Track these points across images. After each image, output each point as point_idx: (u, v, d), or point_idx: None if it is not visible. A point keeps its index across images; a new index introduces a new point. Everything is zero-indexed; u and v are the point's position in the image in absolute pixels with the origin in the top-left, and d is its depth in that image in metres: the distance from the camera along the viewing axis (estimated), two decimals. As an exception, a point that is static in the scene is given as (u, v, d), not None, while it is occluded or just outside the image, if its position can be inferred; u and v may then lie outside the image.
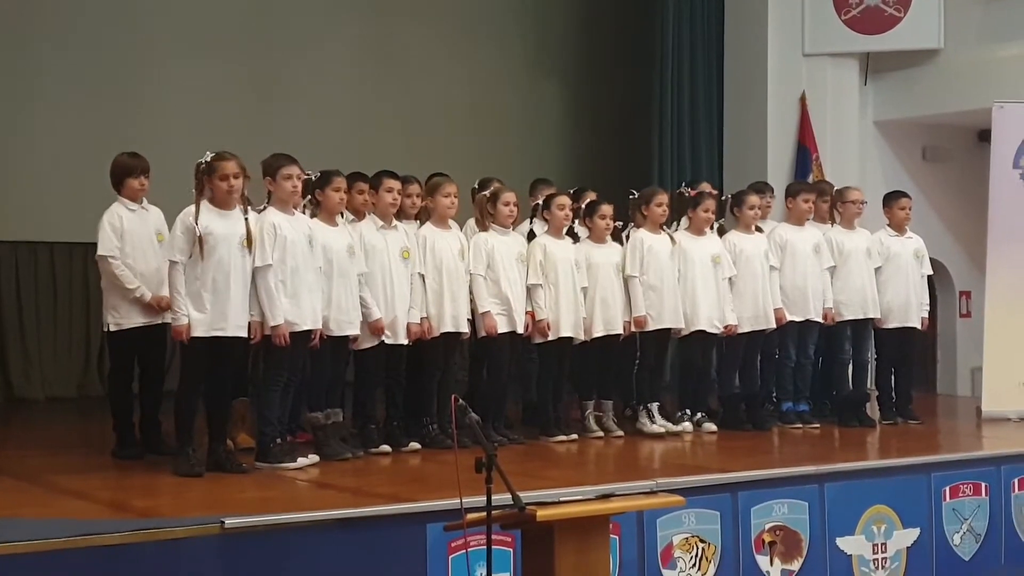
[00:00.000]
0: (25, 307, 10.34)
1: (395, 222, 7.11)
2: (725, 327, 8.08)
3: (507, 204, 7.44)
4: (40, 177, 10.00)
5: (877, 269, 8.58)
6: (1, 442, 7.97)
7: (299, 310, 6.36)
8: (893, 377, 8.79)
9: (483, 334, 7.34)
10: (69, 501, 5.55)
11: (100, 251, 6.71)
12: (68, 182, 9.90)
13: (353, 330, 6.74)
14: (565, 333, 7.57)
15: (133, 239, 6.74)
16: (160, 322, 6.78)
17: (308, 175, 6.83)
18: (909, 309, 8.63)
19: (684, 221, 8.25)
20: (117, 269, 6.68)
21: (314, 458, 6.52)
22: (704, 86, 11.64)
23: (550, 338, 7.57)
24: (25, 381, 10.27)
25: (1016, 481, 7.13)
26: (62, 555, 4.53)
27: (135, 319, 6.73)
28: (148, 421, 6.92)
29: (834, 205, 8.72)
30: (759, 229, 8.40)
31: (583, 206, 7.98)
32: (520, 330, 7.42)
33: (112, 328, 6.76)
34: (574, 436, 7.71)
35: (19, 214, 10.10)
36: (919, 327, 8.75)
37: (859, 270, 8.49)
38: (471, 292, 7.29)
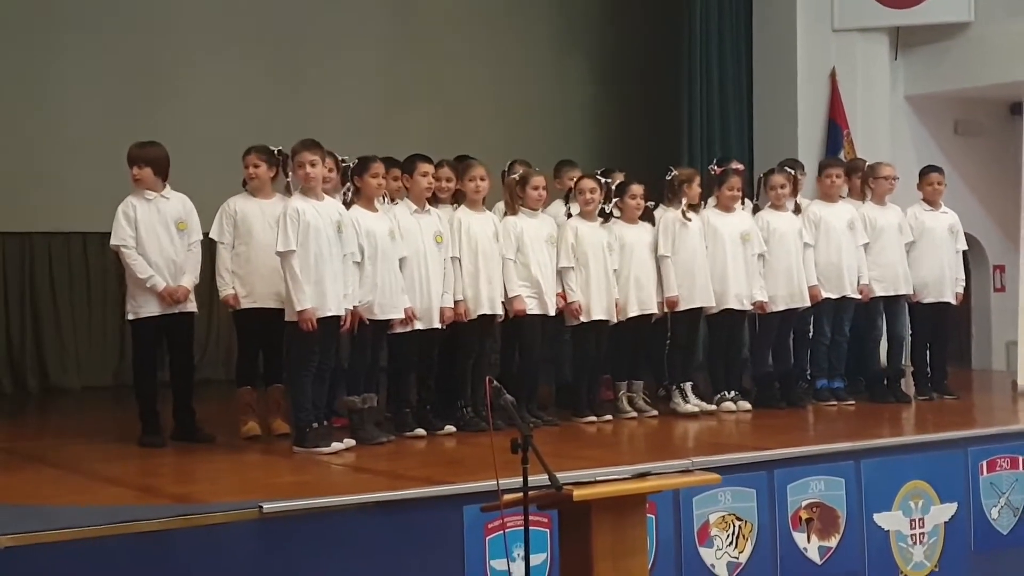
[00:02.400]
0: (59, 297, 10.40)
1: (428, 206, 7.10)
2: (754, 304, 8.05)
3: (536, 188, 7.46)
4: (71, 168, 10.04)
5: (911, 244, 8.54)
6: (39, 431, 8.05)
7: (322, 296, 6.35)
8: (928, 352, 8.73)
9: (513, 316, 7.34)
10: (106, 488, 5.58)
11: (112, 240, 6.78)
12: (99, 172, 9.91)
13: (397, 314, 6.75)
14: (597, 316, 7.56)
15: (147, 228, 6.75)
16: (184, 311, 6.82)
17: (345, 161, 6.87)
18: (943, 284, 8.59)
19: (712, 200, 8.22)
20: (130, 259, 6.71)
21: (350, 442, 6.53)
22: (733, 63, 11.58)
23: (582, 320, 7.55)
24: (61, 371, 10.35)
25: (1053, 455, 7.10)
26: (101, 542, 4.55)
27: (152, 308, 6.74)
28: (182, 409, 6.95)
29: (866, 181, 8.64)
30: (798, 206, 8.37)
31: (614, 187, 7.95)
32: (551, 312, 7.43)
33: (131, 316, 6.80)
34: (607, 417, 7.71)
35: (52, 205, 10.15)
36: (953, 302, 8.71)
37: (892, 246, 8.46)
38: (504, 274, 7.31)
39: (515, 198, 7.48)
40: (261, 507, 4.85)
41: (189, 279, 6.86)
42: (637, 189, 7.84)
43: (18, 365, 10.25)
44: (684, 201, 7.96)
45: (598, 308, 7.57)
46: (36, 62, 10.16)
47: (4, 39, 10.05)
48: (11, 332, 10.23)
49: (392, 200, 7.10)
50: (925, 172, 8.83)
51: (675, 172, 8.20)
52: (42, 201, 10.15)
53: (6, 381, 10.16)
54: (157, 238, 6.77)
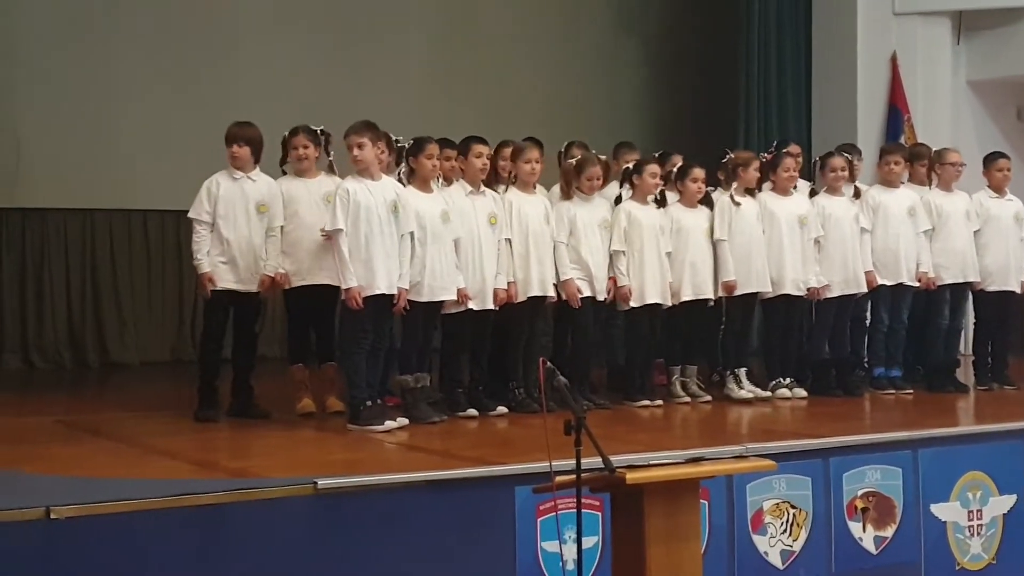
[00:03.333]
0: (120, 274, 10.51)
1: (483, 188, 7.11)
2: (809, 291, 8.00)
3: (591, 179, 7.44)
4: (133, 147, 10.13)
5: (976, 232, 8.44)
6: (97, 405, 8.12)
7: (372, 275, 6.38)
8: (991, 342, 8.65)
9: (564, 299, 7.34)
10: (163, 461, 5.65)
11: (189, 212, 6.86)
12: (160, 152, 10.04)
13: (449, 295, 6.77)
14: (651, 299, 7.54)
15: (228, 206, 6.82)
16: (253, 290, 6.88)
17: (399, 141, 6.88)
18: (1008, 272, 8.49)
19: (766, 185, 8.16)
20: (196, 235, 6.82)
21: (403, 421, 6.57)
22: (791, 47, 11.50)
23: (634, 305, 7.53)
24: (120, 346, 10.47)
25: (1120, 445, 7.01)
26: (157, 515, 4.59)
27: (226, 280, 6.80)
28: (240, 385, 7.01)
29: (932, 167, 8.55)
30: (857, 191, 8.30)
31: (673, 170, 7.93)
32: (601, 297, 7.42)
33: (200, 290, 6.91)
34: (659, 401, 7.69)
35: (113, 183, 10.25)
36: (1018, 291, 8.57)
37: (959, 233, 8.37)
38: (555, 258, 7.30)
39: (570, 183, 7.46)
40: (316, 483, 4.88)
41: (272, 266, 6.92)
42: (699, 173, 7.77)
43: (79, 340, 10.38)
44: (735, 185, 7.92)
45: (652, 291, 7.54)
46: (101, 48, 10.27)
47: (73, 26, 10.15)
48: (72, 308, 10.37)
49: (446, 181, 7.09)
50: (992, 158, 8.70)
51: (731, 155, 8.16)
52: (104, 178, 10.27)
53: (67, 356, 10.29)
54: (235, 217, 6.82)
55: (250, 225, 6.86)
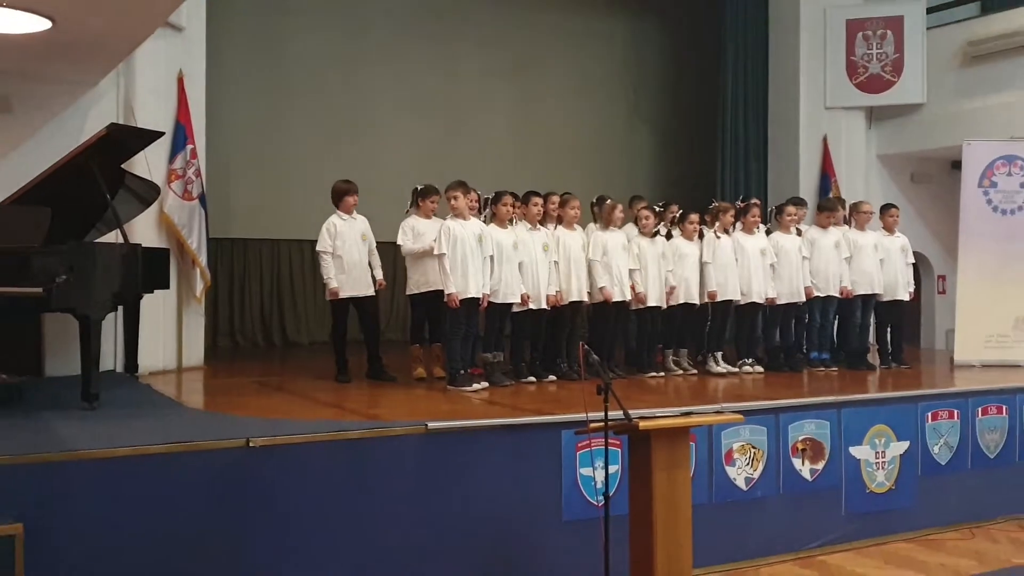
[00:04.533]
0: (295, 282, 10.65)
1: (539, 226, 7.12)
2: (767, 299, 7.94)
3: (620, 213, 7.50)
4: (303, 195, 10.19)
5: (881, 260, 8.34)
6: (280, 370, 8.25)
7: (466, 283, 6.41)
8: (890, 334, 8.53)
9: (599, 300, 7.30)
10: (324, 409, 5.72)
11: (318, 246, 6.89)
12: (322, 198, 10.14)
13: (515, 299, 6.77)
14: (652, 303, 7.53)
15: (344, 239, 6.86)
16: (368, 295, 6.93)
17: (484, 194, 6.92)
18: (898, 286, 8.39)
19: (738, 225, 8.11)
20: (323, 262, 6.85)
21: (484, 384, 6.60)
22: (754, 129, 11.39)
23: (645, 306, 7.51)
24: (296, 331, 10.61)
25: (979, 409, 6.88)
26: (319, 445, 4.67)
27: (347, 291, 6.85)
28: (372, 357, 7.06)
29: (850, 214, 8.50)
30: (798, 231, 8.23)
31: (677, 215, 7.96)
32: (627, 298, 7.38)
33: (329, 297, 6.91)
34: (661, 374, 7.66)
35: (291, 221, 10.35)
36: (906, 299, 8.47)
37: (868, 260, 8.27)
38: (589, 273, 7.27)
39: (604, 220, 7.48)
40: (426, 425, 4.93)
41: (379, 273, 7.02)
42: (694, 217, 7.83)
43: (268, 327, 10.56)
44: (716, 225, 7.89)
45: (653, 297, 7.53)
46: (284, 125, 10.42)
47: (264, 109, 10.31)
48: (264, 306, 10.56)
49: (514, 221, 7.11)
50: (885, 208, 8.64)
51: (714, 205, 8.17)
52: (284, 218, 10.40)
53: (260, 337, 10.47)
54: (350, 246, 6.88)
55: (358, 250, 6.90)
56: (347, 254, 6.85)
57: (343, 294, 6.84)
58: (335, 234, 6.85)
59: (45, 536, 4.00)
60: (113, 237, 6.34)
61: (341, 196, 6.95)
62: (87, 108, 7.27)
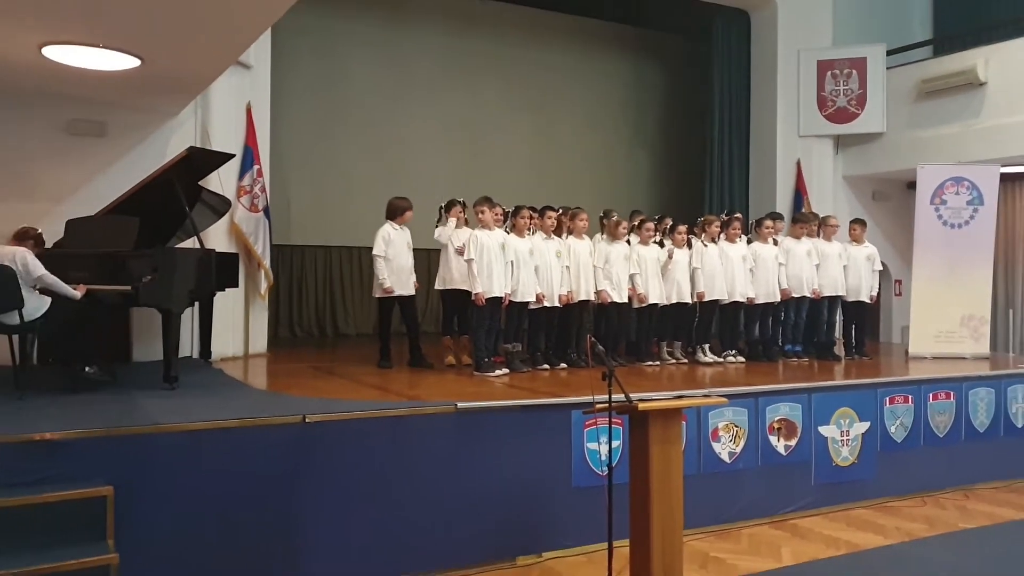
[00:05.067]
0: (344, 283, 10.60)
1: (553, 236, 7.07)
2: (747, 299, 7.86)
3: (624, 229, 7.42)
4: (354, 207, 10.25)
5: (845, 266, 8.28)
6: (332, 358, 8.24)
7: (491, 284, 6.40)
8: (853, 330, 8.44)
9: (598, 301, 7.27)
10: (370, 390, 5.69)
11: (374, 251, 6.82)
12: (370, 210, 10.12)
13: (530, 298, 6.73)
14: (652, 301, 7.46)
15: (395, 246, 6.83)
16: (409, 294, 6.87)
17: (506, 209, 6.88)
18: (862, 289, 8.31)
19: (723, 236, 8.03)
20: (378, 265, 6.79)
21: (505, 370, 6.56)
22: (738, 152, 11.24)
23: (644, 304, 7.45)
24: (345, 323, 10.57)
25: (931, 395, 6.79)
26: (366, 421, 4.65)
27: (395, 290, 6.81)
28: (413, 347, 7.03)
29: (820, 227, 8.42)
30: (775, 241, 8.15)
31: (667, 227, 7.88)
32: (623, 300, 7.32)
33: (378, 295, 6.88)
34: (657, 363, 7.58)
35: (342, 229, 10.35)
36: (868, 301, 8.38)
37: (834, 266, 8.20)
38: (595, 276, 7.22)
39: (609, 232, 7.42)
40: (456, 405, 4.91)
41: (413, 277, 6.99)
42: (682, 228, 7.73)
43: (322, 320, 10.51)
44: (703, 235, 7.82)
45: (653, 296, 7.46)
46: (338, 143, 10.38)
47: (321, 127, 10.29)
48: (317, 302, 10.50)
49: (531, 231, 7.08)
50: (852, 223, 8.55)
51: (702, 218, 8.11)
52: (337, 226, 10.37)
53: (315, 329, 10.43)
54: (399, 252, 6.85)
55: (405, 256, 6.87)
56: (396, 258, 6.81)
57: (394, 292, 6.80)
58: (389, 241, 6.81)
59: (132, 497, 4.01)
60: (191, 243, 6.34)
61: (401, 211, 6.89)
62: (169, 133, 7.29)
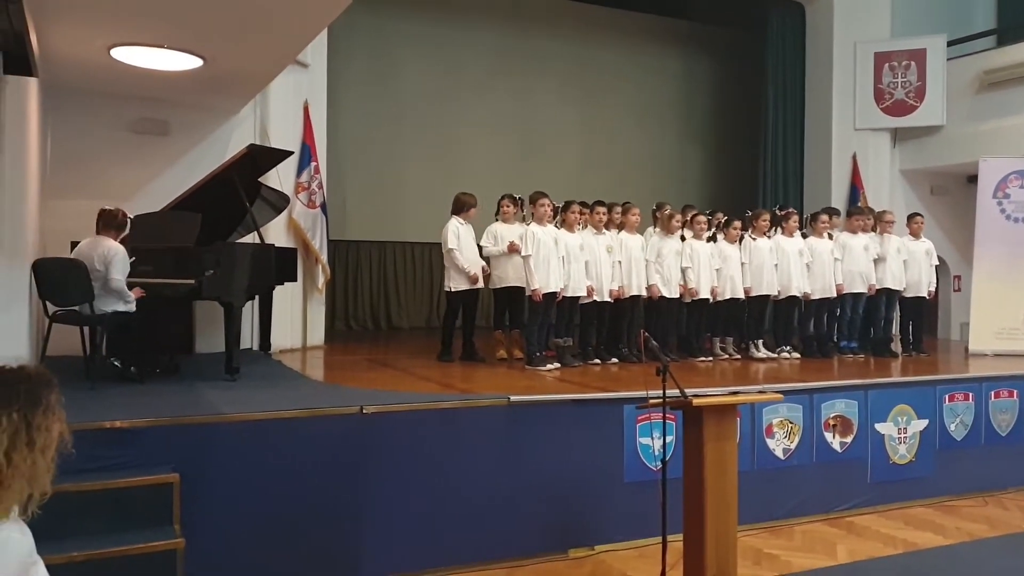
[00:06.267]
0: (399, 278, 10.68)
1: (603, 230, 7.02)
2: (803, 294, 7.71)
3: (677, 222, 7.34)
4: (407, 205, 10.34)
5: (905, 261, 8.10)
6: (386, 350, 8.29)
7: (546, 280, 6.38)
8: (911, 326, 8.23)
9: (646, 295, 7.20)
10: (424, 383, 5.71)
11: (448, 245, 6.80)
12: (423, 208, 10.21)
13: (581, 292, 6.70)
14: (703, 295, 7.37)
15: (464, 239, 6.85)
16: (476, 288, 6.87)
17: (556, 204, 6.86)
18: (921, 285, 8.13)
19: (779, 230, 7.89)
20: (456, 257, 6.79)
21: (557, 365, 6.55)
22: (792, 146, 11.05)
23: (695, 299, 7.36)
24: (399, 316, 10.65)
25: (992, 392, 6.58)
26: (422, 413, 4.67)
27: (461, 285, 6.84)
28: (467, 342, 7.04)
29: (876, 222, 8.23)
30: (830, 235, 7.98)
31: (721, 222, 7.77)
32: (675, 295, 7.24)
33: (449, 289, 6.90)
34: (709, 359, 7.48)
35: (396, 225, 10.43)
36: (927, 296, 8.17)
37: (892, 261, 8.02)
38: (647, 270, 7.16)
39: (662, 226, 7.34)
40: (509, 398, 4.90)
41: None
42: (737, 224, 7.63)
43: (376, 313, 10.60)
44: (751, 230, 7.68)
45: (704, 291, 7.37)
46: (392, 142, 10.47)
47: (376, 128, 10.38)
48: (372, 296, 10.59)
49: (582, 226, 7.04)
50: (911, 216, 8.36)
51: (750, 213, 7.98)
52: (391, 222, 10.46)
53: (369, 322, 10.53)
54: (468, 245, 6.86)
55: (473, 250, 6.87)
56: (464, 252, 6.82)
57: (461, 287, 6.80)
58: (458, 235, 6.82)
59: (197, 484, 4.09)
60: (251, 238, 6.45)
61: (468, 206, 6.89)
62: (230, 131, 7.42)
